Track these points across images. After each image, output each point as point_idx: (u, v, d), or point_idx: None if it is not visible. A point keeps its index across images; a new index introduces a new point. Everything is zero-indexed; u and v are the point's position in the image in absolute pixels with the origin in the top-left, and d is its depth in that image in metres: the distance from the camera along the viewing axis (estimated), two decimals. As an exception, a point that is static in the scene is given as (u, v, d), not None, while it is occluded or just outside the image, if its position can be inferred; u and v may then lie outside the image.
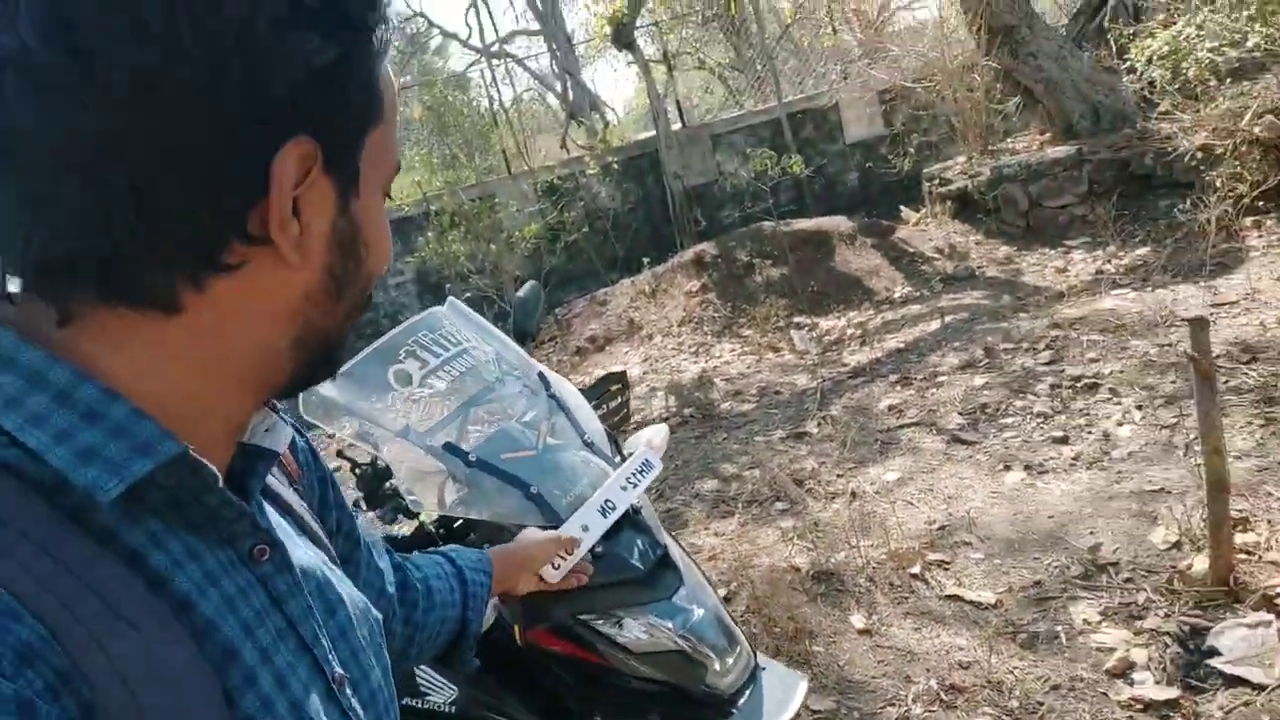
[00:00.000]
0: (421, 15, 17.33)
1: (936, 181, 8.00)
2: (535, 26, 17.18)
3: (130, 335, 0.52)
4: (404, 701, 1.48)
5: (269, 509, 0.67)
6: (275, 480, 0.72)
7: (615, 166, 9.47)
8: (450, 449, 1.44)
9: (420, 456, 1.43)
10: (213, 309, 0.53)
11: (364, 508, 1.50)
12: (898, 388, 4.97)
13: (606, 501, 1.40)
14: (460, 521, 1.51)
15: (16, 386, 0.49)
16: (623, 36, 9.14)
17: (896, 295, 7.06)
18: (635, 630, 1.40)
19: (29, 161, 0.47)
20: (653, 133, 10.82)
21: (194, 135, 0.48)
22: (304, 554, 0.67)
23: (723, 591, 3.14)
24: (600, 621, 1.40)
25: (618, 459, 1.50)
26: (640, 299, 8.71)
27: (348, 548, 0.85)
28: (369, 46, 0.55)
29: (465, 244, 6.67)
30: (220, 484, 0.54)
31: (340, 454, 1.58)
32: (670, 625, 1.40)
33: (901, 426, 4.40)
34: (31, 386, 0.50)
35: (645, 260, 8.87)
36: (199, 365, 0.55)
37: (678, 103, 10.15)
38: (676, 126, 10.06)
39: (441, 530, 1.53)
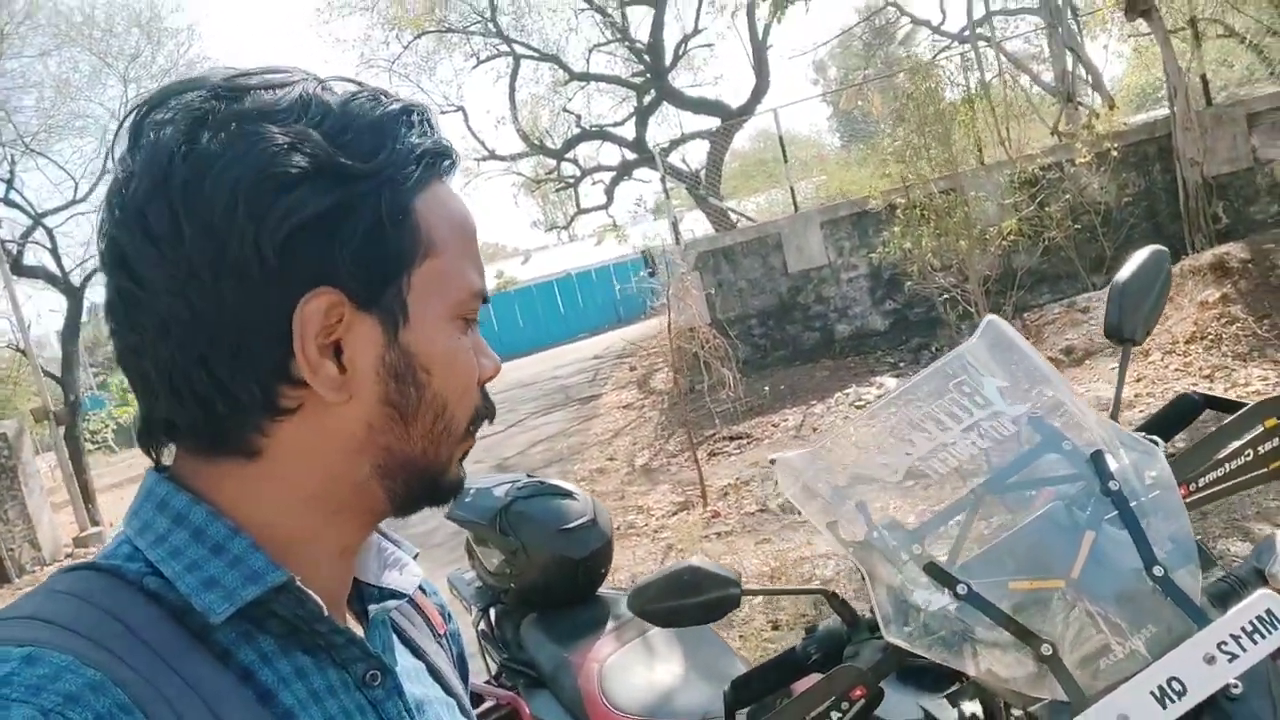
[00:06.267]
0: (893, 5, 16.59)
1: None
2: (1015, 5, 15.59)
3: (230, 479, 0.61)
4: None
5: (397, 644, 0.72)
6: (410, 625, 0.77)
7: (1114, 153, 8.19)
8: (934, 572, 1.07)
9: (899, 569, 1.10)
10: (283, 449, 0.61)
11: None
12: None
13: (1170, 680, 0.92)
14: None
15: (165, 526, 0.60)
16: (1138, 3, 7.81)
17: None
18: None
19: (133, 360, 0.61)
20: (1157, 114, 9.17)
21: (220, 305, 0.57)
22: (425, 691, 0.71)
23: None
24: None
25: (1204, 602, 1.02)
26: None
27: None
28: (384, 189, 0.60)
29: (934, 239, 6.17)
30: (326, 613, 0.60)
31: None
32: None
33: None
34: (175, 525, 0.59)
35: (1145, 264, 7.53)
36: (288, 500, 0.62)
37: (1203, 78, 8.45)
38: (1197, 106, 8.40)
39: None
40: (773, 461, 1.26)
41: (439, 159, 0.64)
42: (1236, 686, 0.95)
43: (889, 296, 9.96)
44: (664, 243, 10.11)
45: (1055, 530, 1.08)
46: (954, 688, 1.25)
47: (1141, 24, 8.42)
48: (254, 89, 0.59)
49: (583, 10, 16.40)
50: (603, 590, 2.13)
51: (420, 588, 0.82)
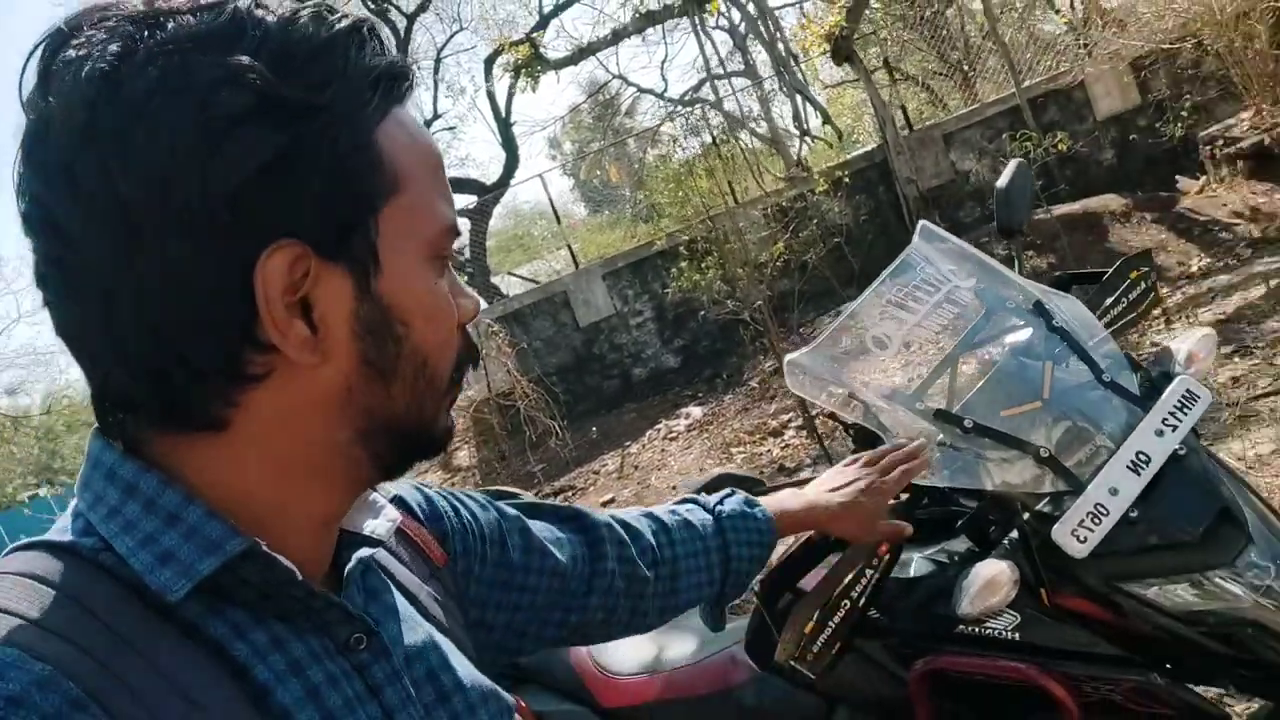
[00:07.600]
0: (620, 77, 17.79)
1: (1220, 143, 7.23)
2: (727, 70, 17.20)
3: (195, 452, 0.55)
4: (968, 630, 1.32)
5: (393, 591, 0.69)
6: (398, 565, 0.73)
7: (845, 180, 9.27)
8: (943, 416, 1.33)
9: (913, 421, 1.33)
10: (256, 419, 0.55)
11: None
12: (1235, 359, 4.43)
13: (1138, 455, 1.21)
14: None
15: (117, 498, 0.54)
16: (842, 50, 9.00)
17: (1194, 268, 6.38)
18: (1181, 594, 1.21)
19: (76, 333, 0.55)
20: (872, 146, 10.53)
21: (170, 268, 0.50)
22: (416, 638, 0.66)
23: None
24: (1141, 587, 1.23)
25: (1143, 397, 1.33)
26: (888, 309, 8.35)
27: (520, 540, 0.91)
28: (341, 123, 0.54)
29: (717, 269, 6.74)
30: (299, 578, 0.56)
31: (833, 417, 1.50)
32: (1238, 590, 1.19)
33: (1257, 397, 3.92)
34: (127, 497, 0.54)
35: (891, 270, 8.55)
36: (263, 471, 0.57)
37: (903, 108, 9.83)
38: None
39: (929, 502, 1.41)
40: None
41: (396, 81, 0.58)
42: (1181, 449, 1.25)
43: (676, 335, 10.53)
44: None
45: (1022, 367, 1.37)
46: (942, 543, 1.49)
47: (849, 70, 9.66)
48: (179, 12, 0.52)
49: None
50: None
51: (418, 517, 0.80)
